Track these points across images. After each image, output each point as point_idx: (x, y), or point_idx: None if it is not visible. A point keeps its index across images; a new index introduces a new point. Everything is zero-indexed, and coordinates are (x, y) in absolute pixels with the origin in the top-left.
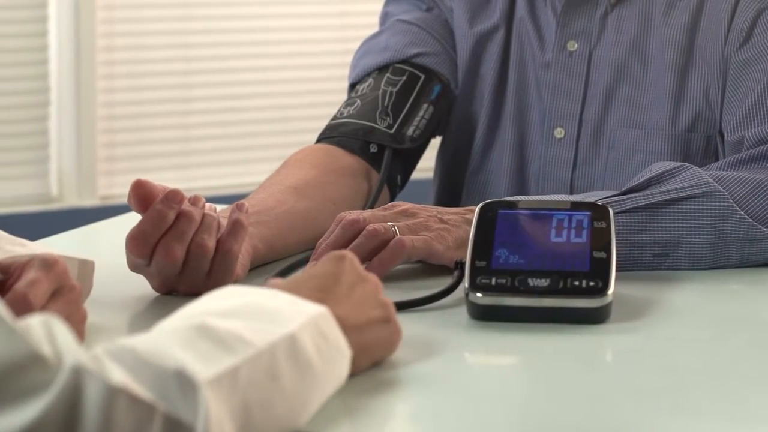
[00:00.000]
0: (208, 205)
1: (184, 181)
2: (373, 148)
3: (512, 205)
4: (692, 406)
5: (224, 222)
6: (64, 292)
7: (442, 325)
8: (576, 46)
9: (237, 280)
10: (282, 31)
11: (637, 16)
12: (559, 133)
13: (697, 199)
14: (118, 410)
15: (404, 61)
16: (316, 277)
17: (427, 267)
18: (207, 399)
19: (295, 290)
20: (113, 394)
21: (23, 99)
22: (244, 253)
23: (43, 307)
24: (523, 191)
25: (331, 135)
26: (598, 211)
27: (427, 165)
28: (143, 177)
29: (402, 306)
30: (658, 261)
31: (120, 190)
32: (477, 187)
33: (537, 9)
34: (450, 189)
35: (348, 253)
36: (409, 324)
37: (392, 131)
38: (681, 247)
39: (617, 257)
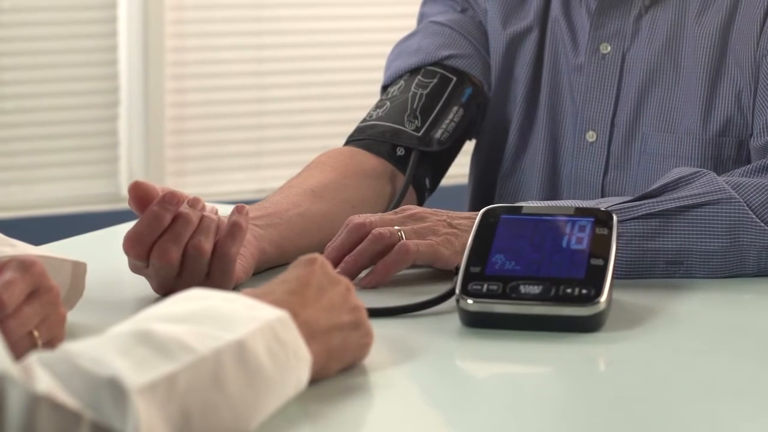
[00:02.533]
0: (209, 206)
1: (257, 182)
2: (400, 151)
3: (515, 210)
4: (669, 418)
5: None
6: (41, 293)
7: (431, 331)
8: (609, 48)
9: (239, 283)
10: (355, 32)
11: (670, 18)
12: (590, 136)
13: (711, 206)
14: (41, 418)
15: (436, 64)
16: (286, 282)
17: (435, 272)
18: (137, 406)
19: (265, 294)
20: (35, 401)
21: (93, 99)
22: (248, 255)
23: (18, 308)
24: (555, 195)
25: (358, 137)
26: (602, 218)
27: (462, 171)
28: (215, 178)
29: (393, 312)
30: (671, 269)
31: (189, 191)
32: (509, 191)
33: (572, 9)
34: (483, 193)
35: (319, 257)
36: (398, 328)
37: (420, 134)
38: (695, 255)
39: (629, 265)
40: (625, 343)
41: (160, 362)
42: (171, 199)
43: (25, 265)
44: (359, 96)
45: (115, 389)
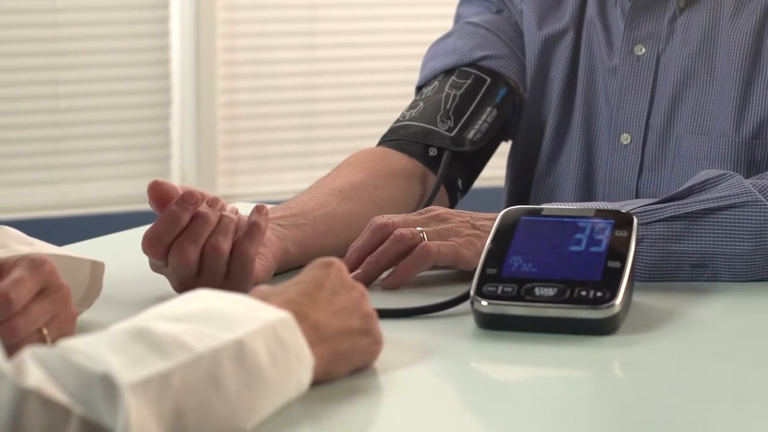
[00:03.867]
0: (229, 206)
1: (308, 182)
2: (432, 151)
3: (535, 212)
4: (671, 424)
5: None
6: (51, 291)
7: (446, 333)
8: (643, 50)
9: (258, 283)
10: (407, 32)
11: (705, 19)
12: (625, 139)
13: (736, 209)
14: (29, 412)
15: (471, 65)
16: (301, 283)
17: (458, 273)
18: (128, 402)
19: (277, 293)
20: (24, 396)
21: (145, 99)
22: (269, 255)
23: (27, 306)
24: (590, 197)
25: (391, 138)
26: (622, 220)
27: (500, 173)
28: (266, 177)
29: (408, 313)
30: (696, 272)
31: (241, 190)
32: (544, 192)
33: (607, 10)
34: (519, 194)
35: (335, 261)
36: (414, 330)
37: (452, 134)
38: (720, 258)
39: (654, 267)
40: (638, 346)
41: (155, 360)
42: (189, 198)
43: (35, 263)
44: (410, 96)
45: (108, 385)
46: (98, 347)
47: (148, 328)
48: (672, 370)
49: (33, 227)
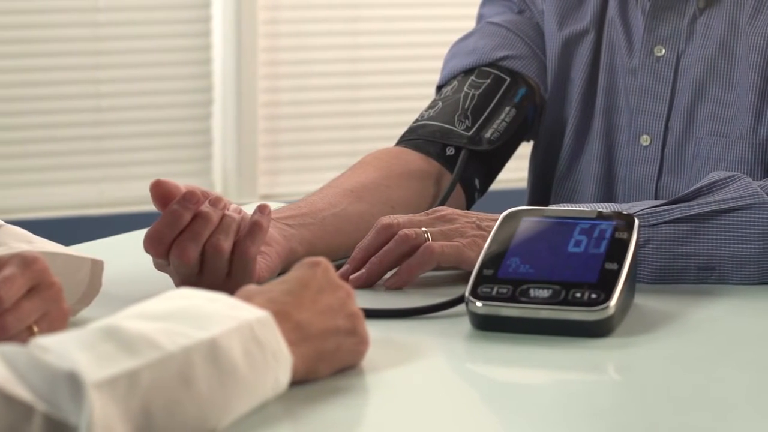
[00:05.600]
0: (233, 206)
1: None
2: (450, 151)
3: (537, 213)
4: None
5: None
6: (42, 288)
7: (440, 334)
8: (663, 51)
9: (261, 282)
10: (450, 32)
11: (724, 20)
12: (644, 140)
13: (744, 211)
14: None
15: (491, 65)
16: (286, 282)
17: (463, 274)
18: (92, 401)
19: (262, 292)
20: None
21: (187, 98)
22: (273, 254)
23: (17, 303)
24: (610, 198)
25: (409, 137)
26: (623, 222)
27: (524, 175)
28: (307, 177)
29: (402, 314)
30: (703, 274)
31: (282, 190)
32: (565, 194)
33: (628, 10)
34: (540, 196)
35: (322, 260)
36: (409, 330)
37: (470, 133)
38: (727, 261)
39: (660, 270)
40: (631, 349)
41: (124, 358)
42: (191, 197)
43: (26, 260)
44: None
45: (73, 383)
46: (68, 345)
47: (119, 326)
48: (665, 373)
49: (74, 225)
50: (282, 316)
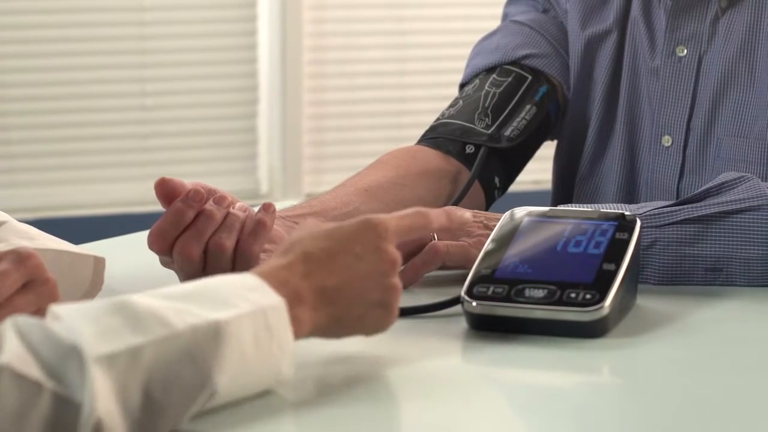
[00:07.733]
0: (238, 204)
1: None
2: (469, 149)
3: (539, 213)
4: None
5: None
6: (36, 284)
7: (436, 333)
8: (685, 51)
9: None
10: None
11: (746, 20)
12: (666, 141)
13: (752, 212)
14: (2, 387)
15: (513, 63)
16: (332, 237)
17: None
18: (93, 374)
19: (304, 242)
20: None
21: (233, 97)
22: None
23: (10, 299)
24: (632, 199)
25: (430, 136)
26: (625, 223)
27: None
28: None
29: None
30: (711, 276)
31: (327, 189)
32: (587, 194)
33: (651, 10)
34: (564, 196)
35: (380, 223)
36: (404, 330)
37: (489, 131)
38: (735, 262)
39: (667, 271)
40: (627, 350)
41: (129, 334)
42: (195, 195)
43: (20, 256)
44: None
45: (78, 357)
46: (77, 315)
47: (129, 302)
48: (660, 375)
49: (120, 223)
50: (310, 278)
